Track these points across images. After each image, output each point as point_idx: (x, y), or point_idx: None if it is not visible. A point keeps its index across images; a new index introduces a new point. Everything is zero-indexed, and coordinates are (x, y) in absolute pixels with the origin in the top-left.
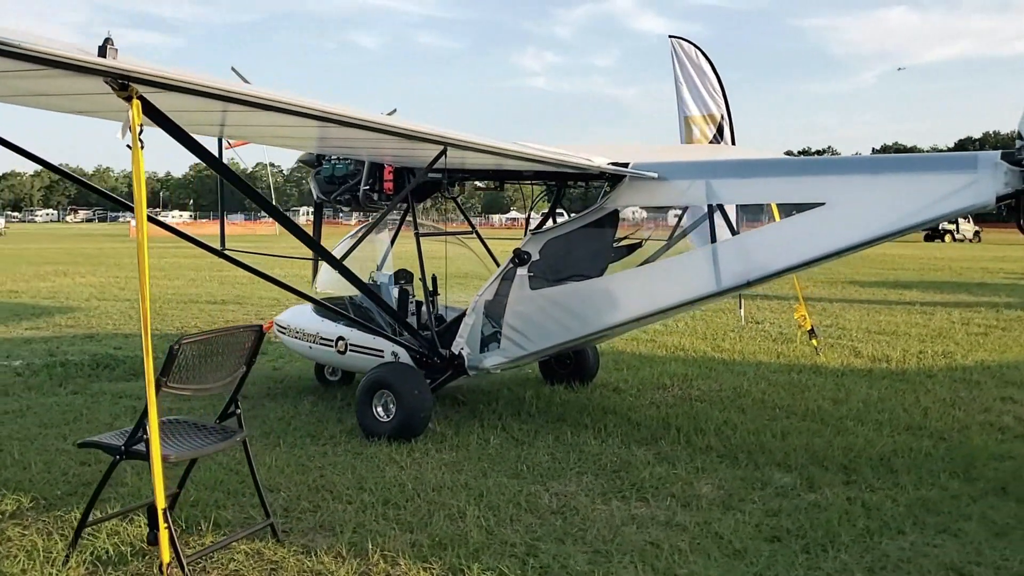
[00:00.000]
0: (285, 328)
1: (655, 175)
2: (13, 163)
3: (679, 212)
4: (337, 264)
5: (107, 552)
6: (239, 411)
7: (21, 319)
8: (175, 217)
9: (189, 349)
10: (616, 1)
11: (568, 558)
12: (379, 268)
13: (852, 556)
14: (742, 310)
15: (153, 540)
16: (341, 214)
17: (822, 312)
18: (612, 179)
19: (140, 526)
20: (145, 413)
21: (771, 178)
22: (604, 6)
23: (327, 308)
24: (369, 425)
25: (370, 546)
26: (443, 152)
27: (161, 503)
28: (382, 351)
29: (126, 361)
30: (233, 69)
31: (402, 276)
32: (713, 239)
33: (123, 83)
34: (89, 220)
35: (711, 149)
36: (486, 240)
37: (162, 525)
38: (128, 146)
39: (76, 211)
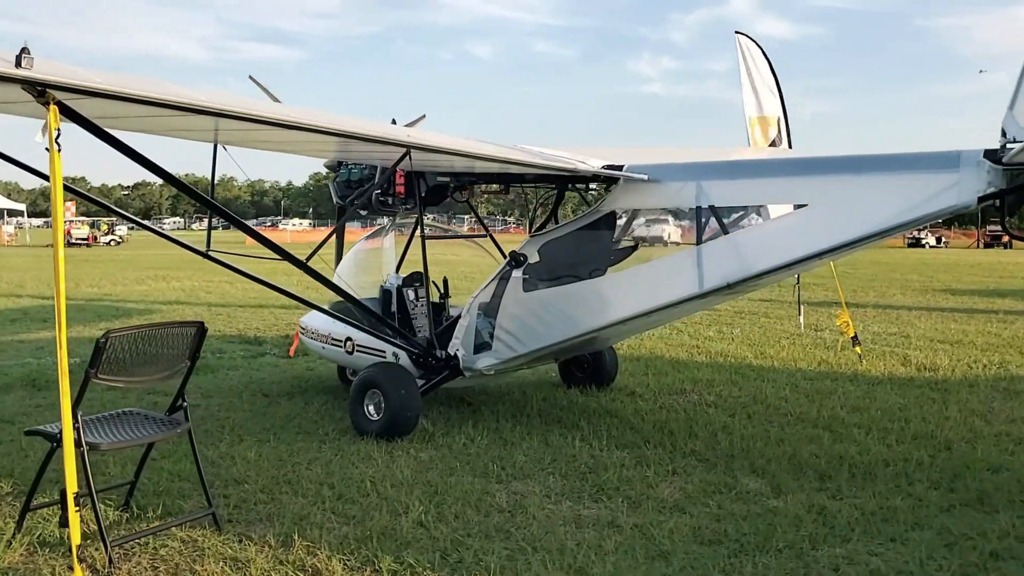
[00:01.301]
0: (305, 329)
1: (645, 177)
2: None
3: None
4: (304, 267)
5: (52, 535)
6: (185, 404)
7: (101, 320)
8: (295, 225)
9: (117, 343)
10: (734, 4)
11: (488, 554)
12: (396, 271)
13: (778, 561)
14: (801, 316)
15: (64, 523)
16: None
17: (896, 320)
18: (608, 182)
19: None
20: (78, 403)
21: (756, 179)
22: (721, 10)
23: (314, 307)
24: (360, 424)
25: (297, 537)
26: (406, 154)
27: (72, 487)
28: (384, 352)
29: None
30: (251, 78)
31: (416, 279)
32: (698, 241)
33: (41, 90)
34: (214, 228)
35: (719, 151)
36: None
37: (71, 509)
38: (46, 149)
39: (201, 219)
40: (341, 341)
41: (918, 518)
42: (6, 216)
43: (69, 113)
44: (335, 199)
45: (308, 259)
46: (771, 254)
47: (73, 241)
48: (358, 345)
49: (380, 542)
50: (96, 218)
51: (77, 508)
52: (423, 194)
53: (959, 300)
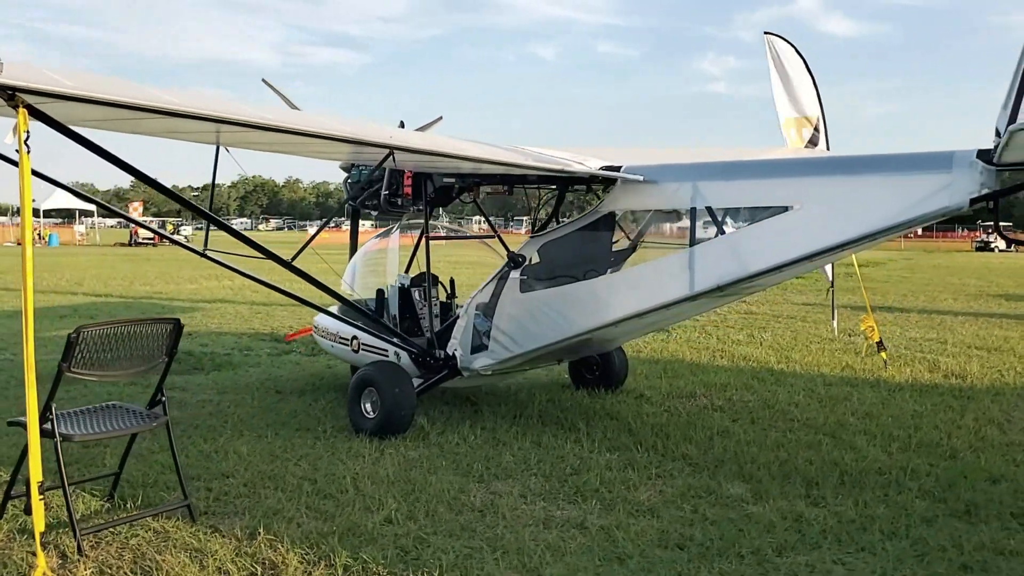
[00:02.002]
0: (317, 327)
1: (640, 178)
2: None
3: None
4: (289, 267)
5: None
6: (164, 398)
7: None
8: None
9: (89, 337)
10: (800, 3)
11: (446, 552)
12: (406, 271)
13: (738, 567)
14: (835, 321)
15: (27, 510)
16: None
17: (938, 325)
18: (606, 183)
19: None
20: (52, 396)
21: (751, 180)
22: (788, 8)
23: (308, 305)
24: (356, 421)
25: (263, 531)
26: (389, 155)
27: (36, 477)
28: (386, 350)
29: (199, 357)
30: (264, 81)
31: (424, 279)
32: (692, 242)
33: (10, 93)
34: (279, 228)
35: (714, 152)
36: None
37: (36, 498)
38: (16, 151)
39: (268, 219)
40: (348, 340)
41: (896, 528)
42: (78, 216)
43: (43, 116)
44: (347, 199)
45: (293, 259)
46: (763, 256)
47: (140, 241)
48: (363, 344)
49: (343, 538)
50: (164, 219)
51: (41, 496)
52: (431, 195)
53: (1013, 306)
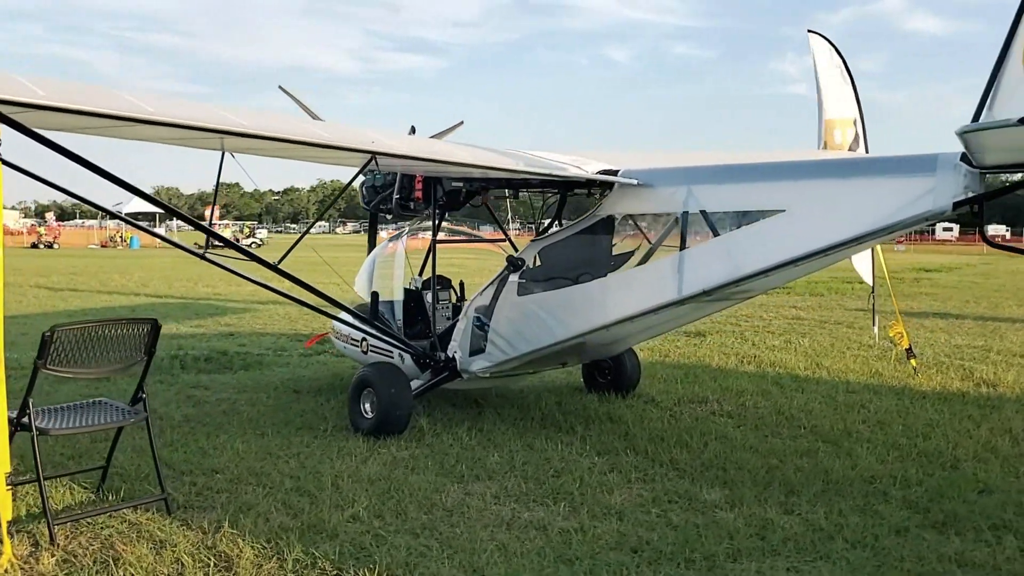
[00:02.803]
0: (332, 329)
1: (635, 182)
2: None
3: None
4: (276, 269)
5: (16, 514)
6: (144, 396)
7: (202, 317)
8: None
9: (63, 336)
10: (884, 1)
11: (399, 549)
12: (420, 274)
13: (686, 572)
14: (876, 328)
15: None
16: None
17: (990, 333)
18: (604, 187)
19: (53, 493)
20: (29, 392)
21: (741, 184)
22: (872, 7)
23: (308, 307)
24: (355, 421)
25: (226, 524)
26: (371, 160)
27: (3, 467)
28: (392, 352)
29: (232, 357)
30: (281, 88)
31: (439, 282)
32: (682, 246)
33: None
34: (356, 231)
35: (707, 155)
36: None
37: (2, 487)
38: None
39: (345, 223)
40: (358, 342)
41: (863, 537)
42: (157, 219)
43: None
44: (362, 203)
45: (279, 262)
46: (750, 260)
47: (214, 244)
48: (372, 346)
49: (304, 533)
50: (241, 222)
51: (9, 487)
52: (441, 199)
53: None
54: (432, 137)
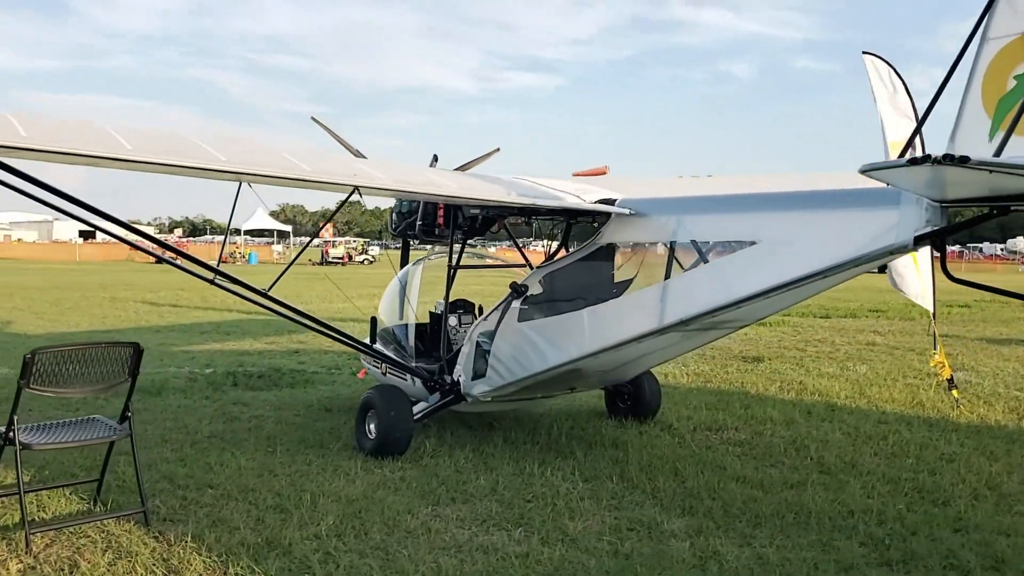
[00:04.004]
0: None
1: (627, 211)
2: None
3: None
4: (264, 295)
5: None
6: (130, 414)
7: (280, 334)
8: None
9: (44, 358)
10: None
11: (338, 568)
12: (446, 297)
13: None
14: (938, 355)
15: None
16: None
17: None
18: (604, 215)
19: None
20: (14, 409)
21: (722, 214)
22: None
23: (313, 328)
24: (360, 441)
25: (189, 538)
26: (353, 192)
27: None
28: (406, 374)
29: (285, 374)
30: (313, 118)
31: (460, 306)
32: (667, 276)
33: None
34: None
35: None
36: None
37: None
38: None
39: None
40: (379, 364)
41: (806, 572)
42: (276, 236)
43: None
44: (391, 229)
45: (269, 289)
46: (724, 291)
47: (329, 260)
48: (389, 368)
49: (260, 549)
50: (360, 239)
51: None
52: (462, 225)
53: None
54: (466, 164)
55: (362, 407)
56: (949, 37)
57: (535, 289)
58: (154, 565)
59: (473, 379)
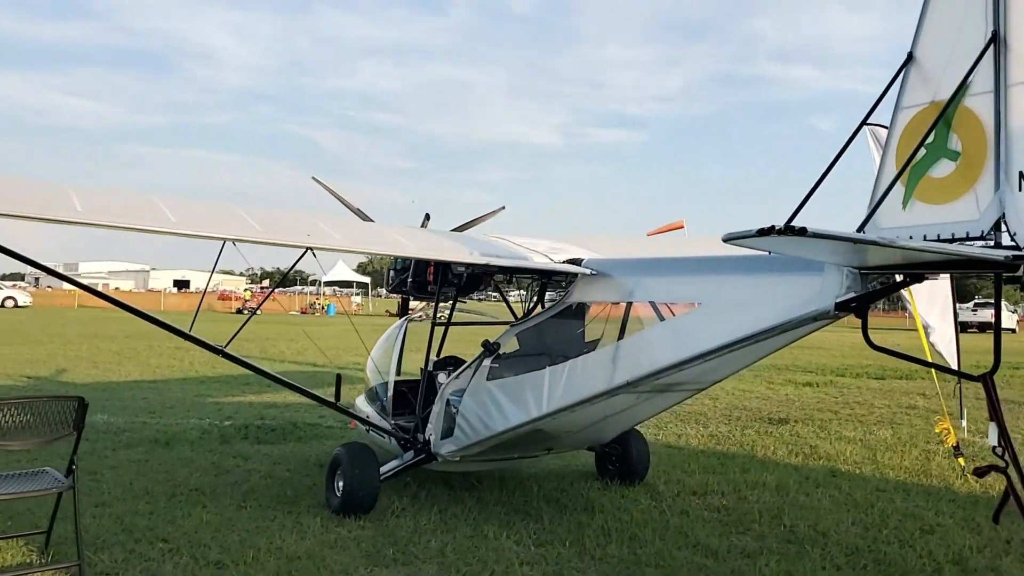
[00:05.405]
0: (352, 406)
1: (588, 271)
2: None
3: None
4: (222, 353)
5: None
6: (75, 467)
7: (319, 386)
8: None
9: None
10: None
11: None
12: (439, 354)
13: None
14: (964, 421)
15: None
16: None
17: None
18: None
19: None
20: None
21: (670, 277)
22: None
23: (302, 393)
24: (329, 498)
25: None
26: (306, 252)
27: None
28: (383, 432)
29: (298, 427)
30: (314, 179)
31: (450, 363)
32: (620, 336)
33: None
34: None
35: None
36: None
37: None
38: None
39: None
40: (364, 420)
41: None
42: (354, 287)
43: None
44: (387, 286)
45: (226, 345)
46: (666, 353)
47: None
48: (371, 425)
49: None
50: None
51: None
52: (452, 282)
53: None
54: (471, 222)
55: (331, 464)
56: None
57: (507, 347)
58: None
59: (442, 438)
